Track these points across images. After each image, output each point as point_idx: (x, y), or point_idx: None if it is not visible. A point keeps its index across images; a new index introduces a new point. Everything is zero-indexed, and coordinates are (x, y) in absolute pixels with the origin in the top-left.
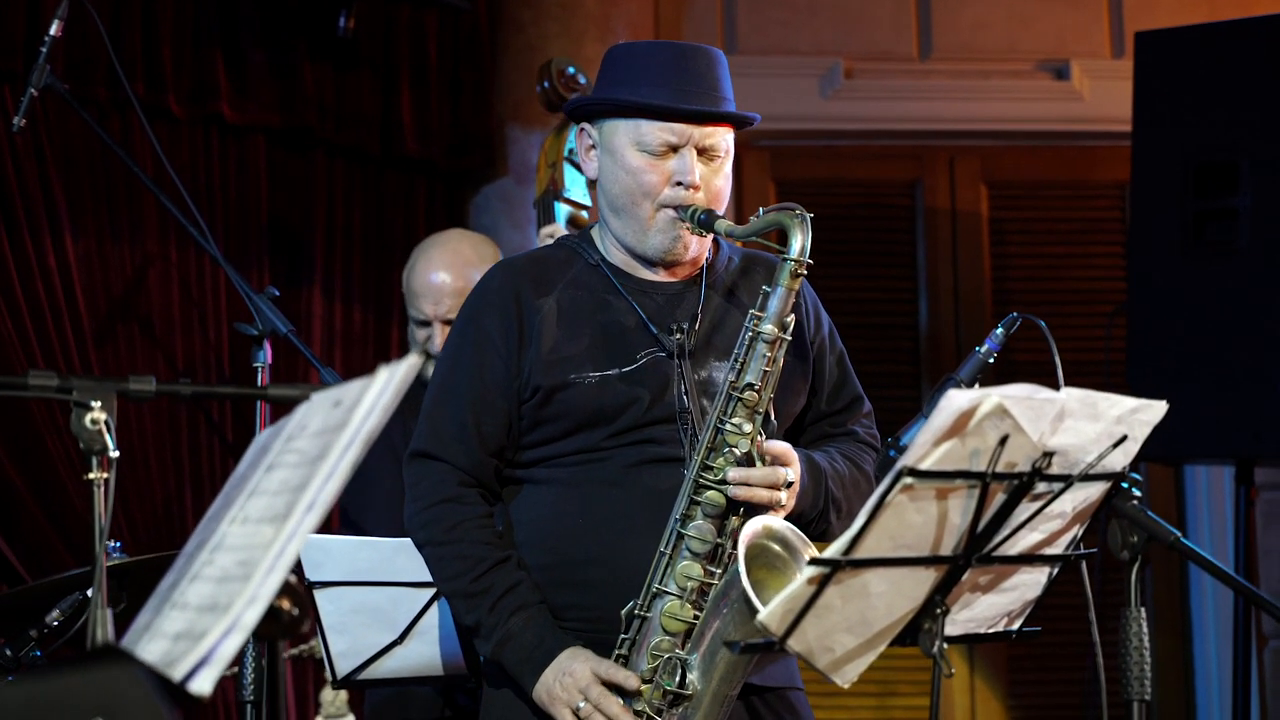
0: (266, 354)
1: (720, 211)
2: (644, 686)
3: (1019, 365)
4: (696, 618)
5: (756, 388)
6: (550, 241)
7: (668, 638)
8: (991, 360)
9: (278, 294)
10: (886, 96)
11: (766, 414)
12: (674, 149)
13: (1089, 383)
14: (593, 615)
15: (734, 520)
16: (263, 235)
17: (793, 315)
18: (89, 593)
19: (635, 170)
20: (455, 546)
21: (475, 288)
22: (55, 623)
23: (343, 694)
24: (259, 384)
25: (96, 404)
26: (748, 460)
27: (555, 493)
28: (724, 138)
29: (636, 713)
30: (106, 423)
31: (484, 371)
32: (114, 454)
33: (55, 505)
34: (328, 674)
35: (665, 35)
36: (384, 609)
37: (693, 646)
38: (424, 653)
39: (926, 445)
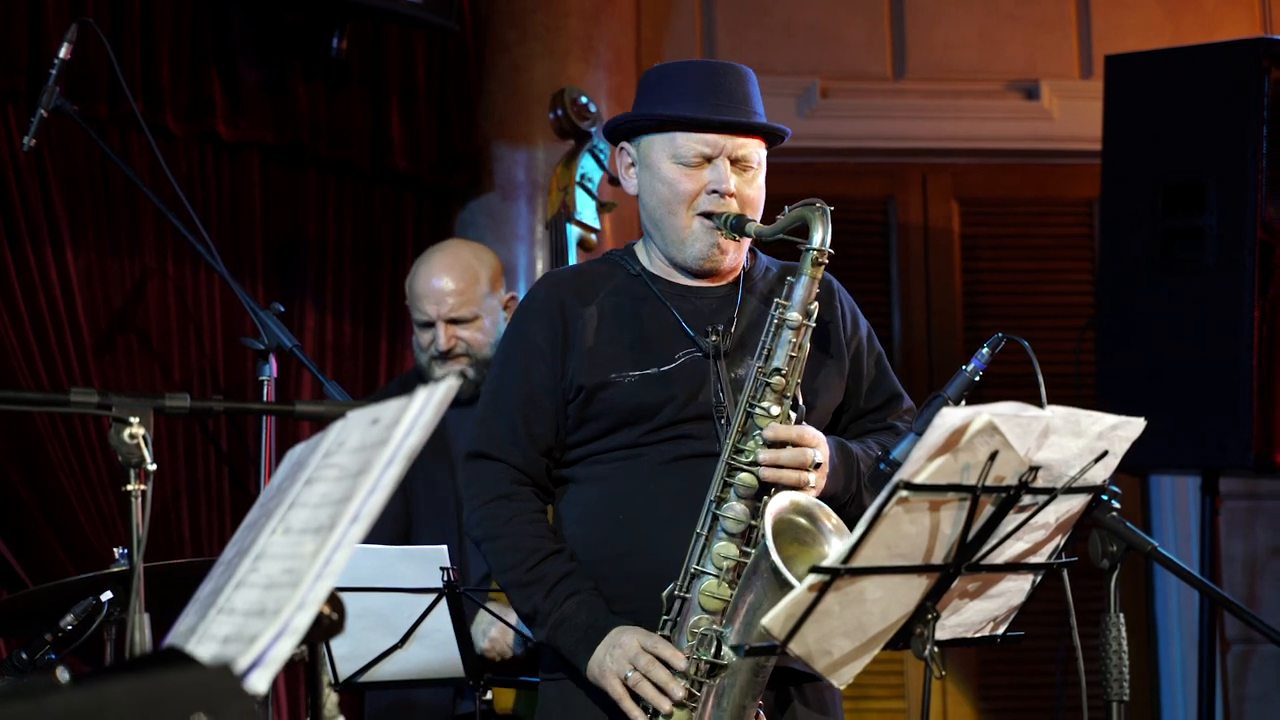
0: (272, 368)
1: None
2: (686, 664)
3: (996, 380)
4: (732, 595)
5: (784, 372)
6: None
7: (706, 616)
8: (977, 378)
9: (283, 309)
10: (861, 115)
11: (795, 398)
12: (708, 159)
13: (1060, 396)
14: (636, 606)
15: (766, 500)
16: (256, 250)
17: (816, 303)
18: (103, 598)
19: (671, 180)
20: (510, 539)
21: (520, 302)
22: (69, 626)
23: (334, 697)
24: (265, 397)
25: (135, 420)
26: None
27: (598, 489)
28: (756, 150)
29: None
30: (145, 437)
31: (531, 375)
32: (151, 467)
33: (56, 512)
34: (327, 677)
35: (646, 56)
36: (385, 614)
37: (728, 621)
38: (423, 656)
39: (921, 460)
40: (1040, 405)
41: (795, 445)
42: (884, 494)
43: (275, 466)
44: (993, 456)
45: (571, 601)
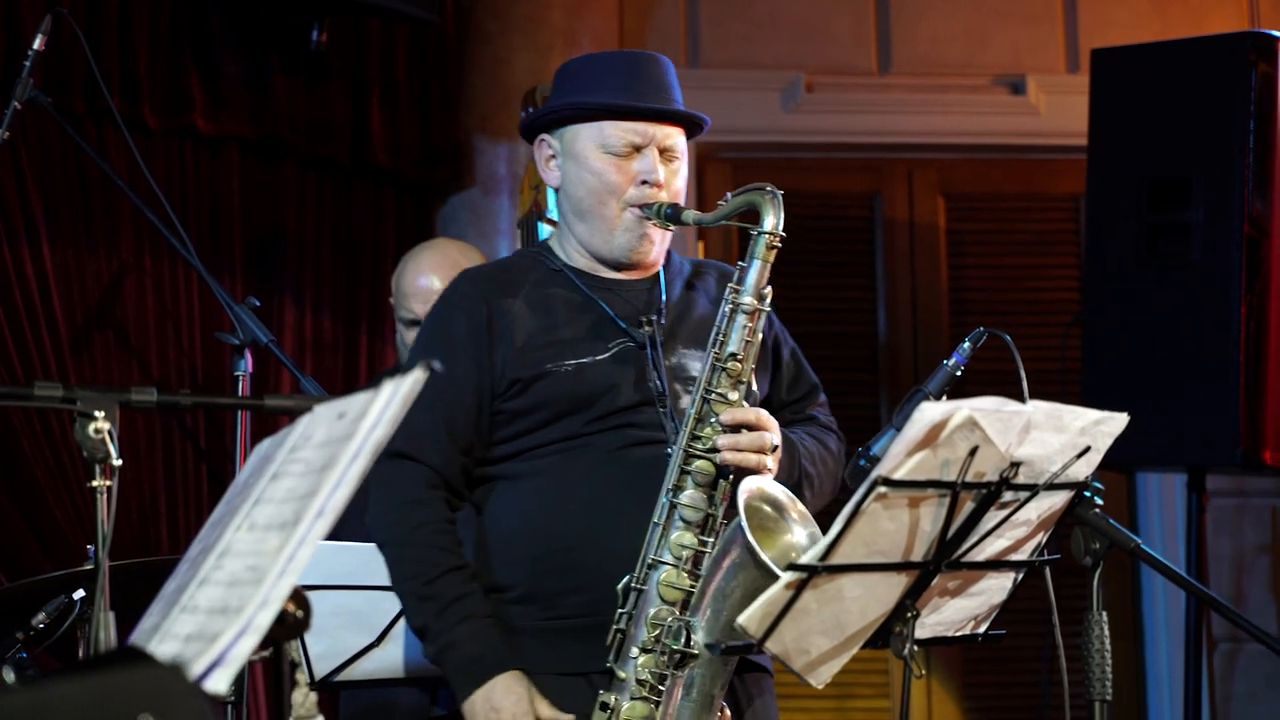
0: (248, 363)
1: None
2: (644, 657)
3: (978, 376)
4: (693, 586)
5: (739, 357)
6: None
7: (666, 606)
8: (959, 373)
9: (259, 304)
10: (846, 110)
11: (749, 384)
12: (637, 149)
13: (1045, 392)
14: (588, 599)
15: (724, 486)
16: (234, 245)
17: (770, 288)
18: (75, 595)
19: (599, 171)
20: (413, 549)
21: (443, 293)
22: (41, 625)
23: (313, 696)
24: (240, 392)
25: (100, 414)
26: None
27: (539, 483)
28: (681, 139)
29: (640, 682)
30: (110, 432)
31: (454, 370)
32: (117, 462)
33: (31, 508)
34: (300, 675)
35: (630, 48)
36: (362, 612)
37: (694, 609)
38: (400, 655)
39: (900, 455)
40: (1022, 400)
41: (753, 428)
42: (862, 490)
43: None
44: (973, 452)
45: (464, 627)
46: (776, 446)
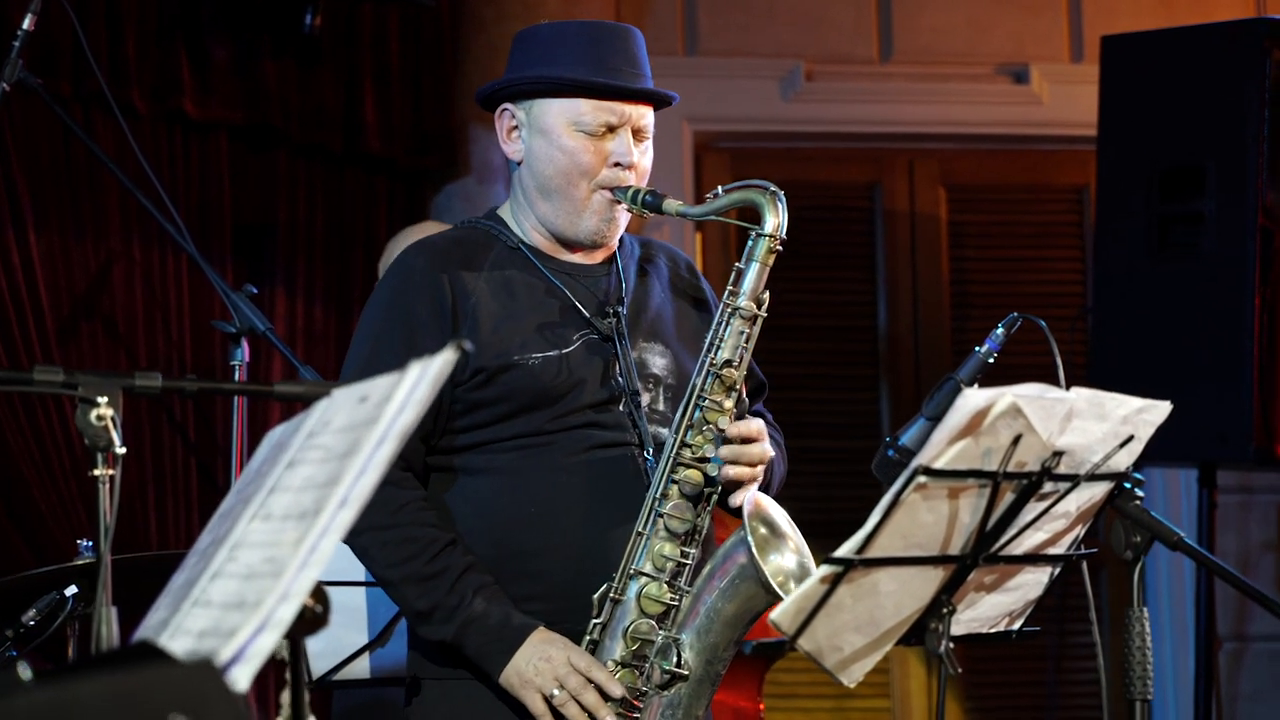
0: (244, 351)
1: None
2: (622, 671)
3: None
4: (674, 599)
5: (734, 364)
6: None
7: (646, 620)
8: (991, 360)
9: (255, 291)
10: (846, 99)
11: (740, 391)
12: (611, 129)
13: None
14: (546, 607)
15: (712, 498)
16: (224, 233)
17: (767, 293)
18: (67, 592)
19: (572, 150)
20: (402, 530)
21: (394, 268)
22: (31, 622)
23: (305, 695)
24: (236, 380)
25: (103, 400)
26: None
27: (498, 481)
28: (652, 118)
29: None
30: (113, 419)
31: (417, 353)
32: (120, 450)
33: (17, 502)
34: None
35: None
36: (359, 609)
37: (680, 626)
38: (397, 654)
39: (941, 444)
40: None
41: (755, 441)
42: (901, 480)
43: (247, 455)
44: (1016, 440)
45: (480, 598)
46: (770, 456)
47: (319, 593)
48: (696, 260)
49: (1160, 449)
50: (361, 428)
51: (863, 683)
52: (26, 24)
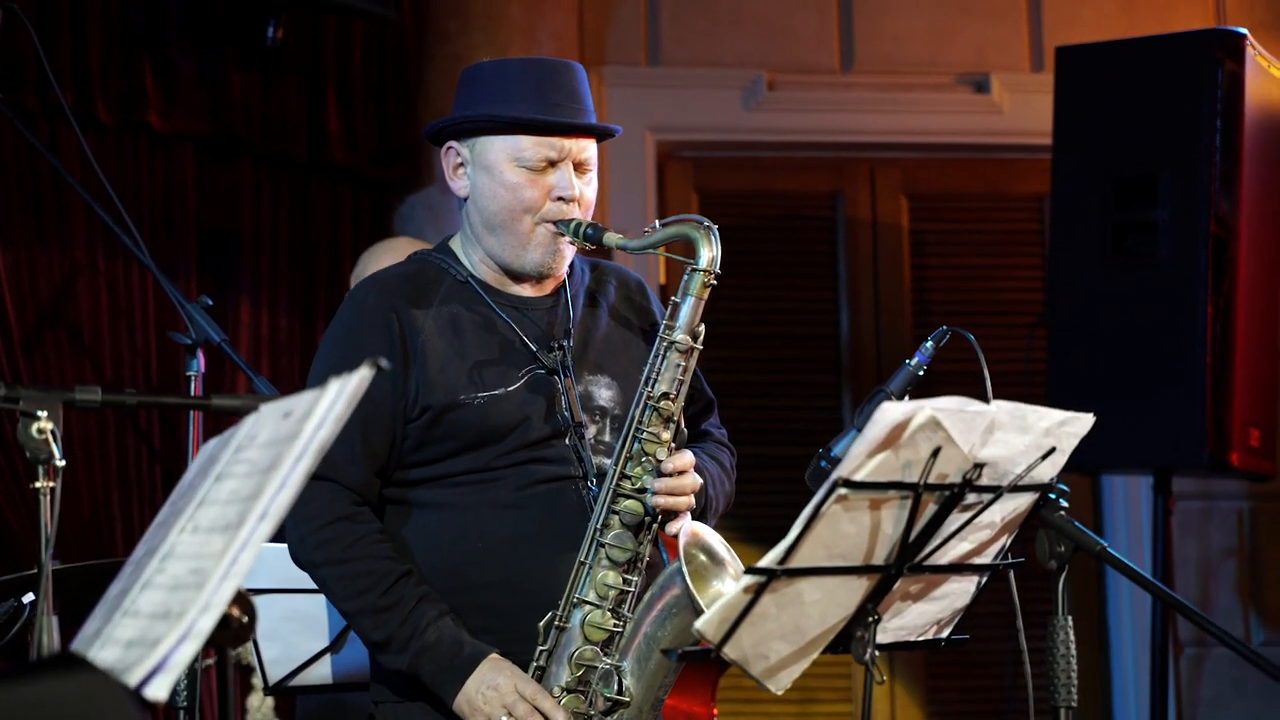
0: (200, 363)
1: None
2: (568, 697)
3: (942, 377)
4: (617, 626)
5: (671, 396)
6: None
7: (590, 646)
8: (921, 373)
9: (211, 303)
10: (808, 108)
11: (678, 423)
12: (552, 164)
13: (1009, 393)
14: (497, 638)
15: (653, 527)
16: (190, 243)
17: (703, 326)
18: (24, 599)
19: (514, 186)
20: (357, 564)
21: (347, 303)
22: None
23: (269, 701)
24: (192, 392)
25: (43, 413)
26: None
27: (448, 516)
28: (594, 150)
29: None
30: (53, 432)
31: (370, 391)
32: (60, 463)
33: None
34: (256, 680)
35: (590, 46)
36: (316, 616)
37: (622, 653)
38: (355, 659)
39: (861, 456)
40: (986, 401)
41: (686, 473)
42: (822, 491)
43: None
44: (935, 453)
45: (432, 629)
46: (700, 485)
47: (245, 604)
48: (659, 274)
49: (1115, 456)
50: (283, 443)
51: (825, 688)
52: None
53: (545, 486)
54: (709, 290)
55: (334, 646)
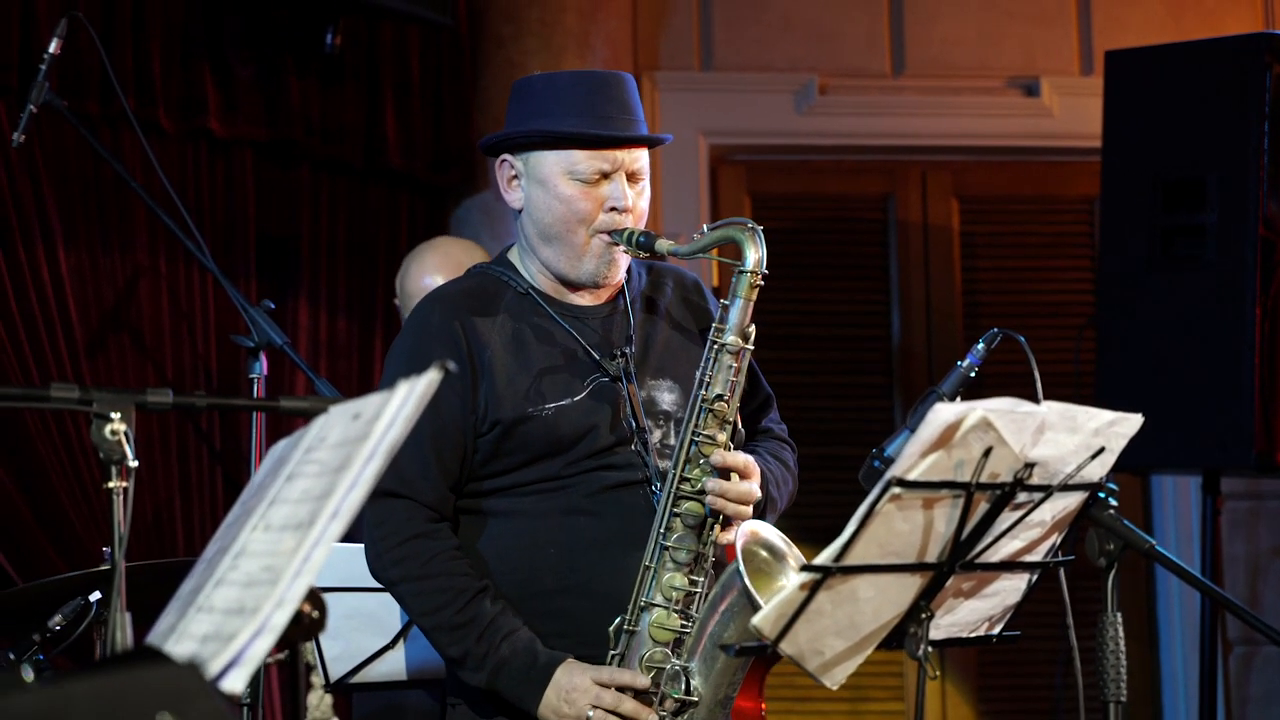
0: (262, 365)
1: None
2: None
3: (992, 378)
4: (684, 626)
5: (725, 398)
6: None
7: (659, 648)
8: (973, 374)
9: (273, 306)
10: (860, 112)
11: (735, 423)
12: (605, 175)
13: (1059, 394)
14: (570, 644)
15: (714, 528)
16: (249, 247)
17: (753, 326)
18: (91, 598)
19: (569, 199)
20: (435, 580)
21: (411, 321)
22: (58, 627)
23: (329, 699)
24: (256, 395)
25: (116, 415)
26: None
27: (520, 524)
28: (646, 160)
29: None
30: (126, 433)
31: (440, 406)
32: (133, 464)
33: (47, 511)
34: (315, 678)
35: (643, 52)
36: (377, 614)
37: (689, 653)
38: (415, 657)
39: (914, 456)
40: (1036, 402)
41: (742, 475)
42: (876, 491)
43: None
44: (987, 453)
45: (508, 643)
46: (759, 499)
47: (316, 600)
48: (712, 277)
49: (1164, 456)
50: (353, 444)
51: (877, 686)
52: (52, 48)
53: (613, 492)
54: (757, 291)
55: (394, 644)
